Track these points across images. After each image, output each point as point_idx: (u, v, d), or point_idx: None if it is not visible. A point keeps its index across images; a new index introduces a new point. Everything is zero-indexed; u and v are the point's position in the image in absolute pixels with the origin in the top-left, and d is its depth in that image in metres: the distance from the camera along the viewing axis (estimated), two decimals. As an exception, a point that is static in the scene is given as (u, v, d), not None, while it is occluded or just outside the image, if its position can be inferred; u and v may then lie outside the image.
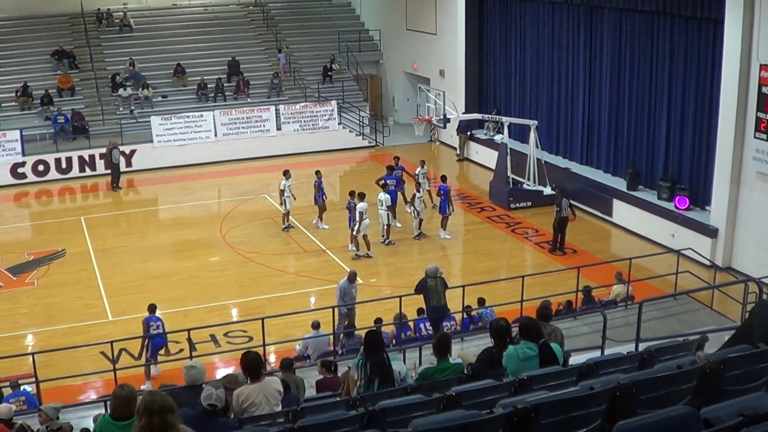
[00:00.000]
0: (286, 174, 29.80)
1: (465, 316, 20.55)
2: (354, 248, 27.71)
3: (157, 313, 20.45)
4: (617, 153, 31.93)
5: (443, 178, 30.03)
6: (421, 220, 29.20)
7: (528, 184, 32.95)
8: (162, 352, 20.42)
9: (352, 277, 21.06)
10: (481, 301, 20.92)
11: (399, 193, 30.51)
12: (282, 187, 29.50)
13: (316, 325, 19.33)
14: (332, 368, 15.29)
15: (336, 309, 20.52)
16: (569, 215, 27.62)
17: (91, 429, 11.09)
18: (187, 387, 10.51)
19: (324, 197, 29.91)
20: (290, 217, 30.07)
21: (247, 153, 39.78)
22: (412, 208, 29.07)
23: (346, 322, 20.70)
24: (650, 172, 30.12)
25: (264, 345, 18.90)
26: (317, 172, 30.52)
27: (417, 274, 21.67)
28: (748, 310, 16.77)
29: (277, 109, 40.91)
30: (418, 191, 29.10)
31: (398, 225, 29.38)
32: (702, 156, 27.68)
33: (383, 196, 28.21)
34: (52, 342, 21.51)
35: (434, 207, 30.87)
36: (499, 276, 25.91)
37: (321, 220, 30.21)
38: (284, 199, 29.49)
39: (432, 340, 12.60)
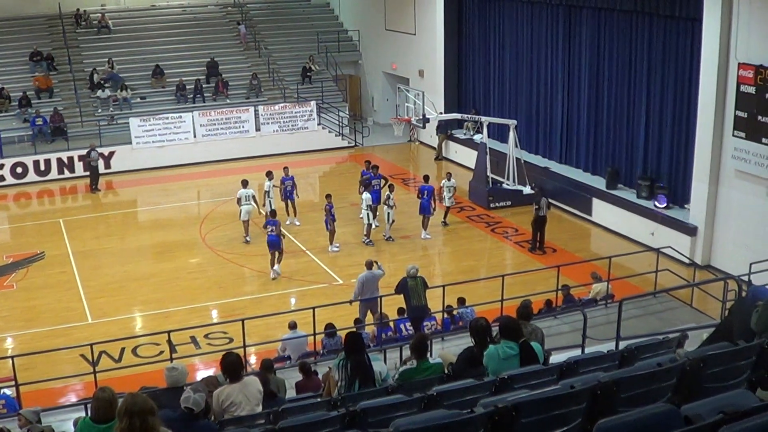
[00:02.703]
0: (269, 175, 29.92)
1: (446, 315, 20.58)
2: (336, 249, 27.82)
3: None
4: (596, 152, 32.04)
5: (426, 178, 30.00)
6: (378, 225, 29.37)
7: (507, 184, 33.01)
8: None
9: (368, 265, 21.58)
10: (462, 301, 20.94)
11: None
12: (266, 188, 29.64)
13: (292, 326, 19.38)
14: (308, 371, 15.30)
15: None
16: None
17: (71, 432, 11.04)
18: (169, 389, 10.47)
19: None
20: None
21: (227, 154, 39.71)
22: (388, 209, 28.91)
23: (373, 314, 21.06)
24: (629, 170, 30.23)
25: (244, 346, 18.89)
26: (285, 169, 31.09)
27: (397, 274, 21.67)
28: (728, 307, 16.86)
29: (256, 110, 40.86)
30: (391, 191, 29.09)
31: (376, 224, 29.32)
32: (681, 154, 27.79)
33: (365, 195, 28.29)
34: (31, 345, 21.38)
35: (444, 225, 30.86)
36: (479, 275, 25.96)
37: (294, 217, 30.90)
38: (269, 200, 29.57)
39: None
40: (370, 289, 21.11)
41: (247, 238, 28.98)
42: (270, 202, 29.53)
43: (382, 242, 28.84)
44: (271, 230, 26.04)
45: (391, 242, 28.90)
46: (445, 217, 30.87)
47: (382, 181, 29.82)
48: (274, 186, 29.81)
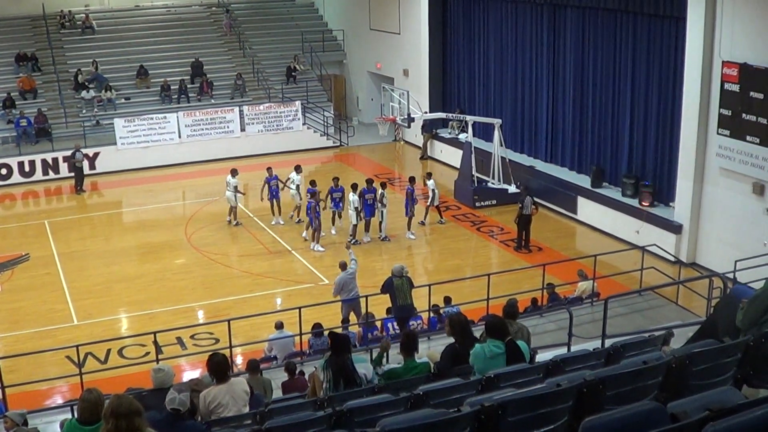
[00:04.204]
0: (298, 169, 31.00)
1: (433, 314, 20.57)
2: (321, 248, 27.80)
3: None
4: (581, 150, 32.09)
5: (411, 180, 30.07)
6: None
7: (493, 183, 33.03)
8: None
9: (342, 266, 21.50)
10: (447, 300, 20.94)
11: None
12: (297, 182, 30.80)
13: (279, 326, 19.33)
14: (294, 371, 15.29)
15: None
16: (532, 210, 27.75)
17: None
18: (155, 390, 10.43)
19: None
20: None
21: (212, 154, 39.61)
22: (382, 207, 28.91)
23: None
24: (614, 169, 30.29)
25: (230, 347, 18.85)
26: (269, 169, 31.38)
27: (383, 274, 21.66)
28: (713, 305, 16.89)
29: (240, 110, 40.82)
30: (384, 188, 29.12)
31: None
32: (666, 152, 27.86)
33: (353, 197, 28.34)
34: (16, 347, 21.27)
35: (441, 223, 30.91)
36: (464, 274, 25.93)
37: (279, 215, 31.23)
38: (298, 194, 30.61)
39: (398, 339, 12.57)
40: (349, 289, 21.10)
41: (228, 219, 30.77)
42: (298, 195, 30.43)
43: (367, 242, 28.85)
44: (310, 200, 28.27)
45: (380, 242, 28.91)
46: (425, 217, 31.00)
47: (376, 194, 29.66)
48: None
